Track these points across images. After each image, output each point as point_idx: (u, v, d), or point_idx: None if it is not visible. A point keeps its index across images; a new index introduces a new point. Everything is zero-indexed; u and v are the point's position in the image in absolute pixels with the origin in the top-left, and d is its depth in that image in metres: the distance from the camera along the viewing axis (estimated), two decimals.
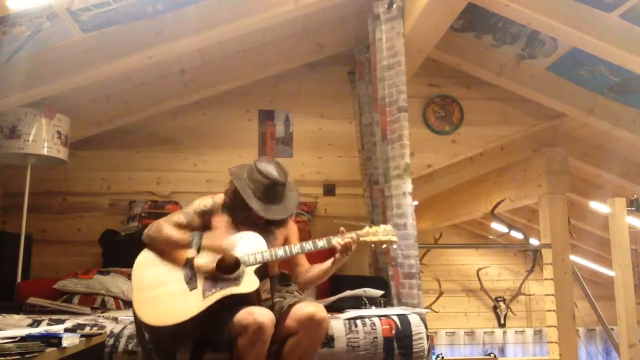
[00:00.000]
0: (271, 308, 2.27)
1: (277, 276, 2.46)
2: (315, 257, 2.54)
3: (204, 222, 2.41)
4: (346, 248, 2.30)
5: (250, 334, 2.02)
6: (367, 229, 2.38)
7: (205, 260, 2.24)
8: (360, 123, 3.91)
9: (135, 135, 4.03)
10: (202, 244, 2.29)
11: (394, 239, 2.38)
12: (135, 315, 2.19)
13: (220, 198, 2.47)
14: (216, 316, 2.18)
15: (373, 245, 2.38)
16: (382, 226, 2.40)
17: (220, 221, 2.42)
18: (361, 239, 2.35)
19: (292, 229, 2.57)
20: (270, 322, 2.07)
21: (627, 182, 5.00)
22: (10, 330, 1.77)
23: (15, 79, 3.04)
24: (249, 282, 2.20)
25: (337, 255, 2.32)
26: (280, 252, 2.29)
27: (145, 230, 2.34)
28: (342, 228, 2.34)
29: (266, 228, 2.46)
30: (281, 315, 2.22)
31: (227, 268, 2.22)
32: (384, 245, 2.39)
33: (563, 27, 3.13)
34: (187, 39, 3.22)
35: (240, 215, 2.41)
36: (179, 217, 2.37)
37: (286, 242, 2.51)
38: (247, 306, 2.12)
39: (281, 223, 2.49)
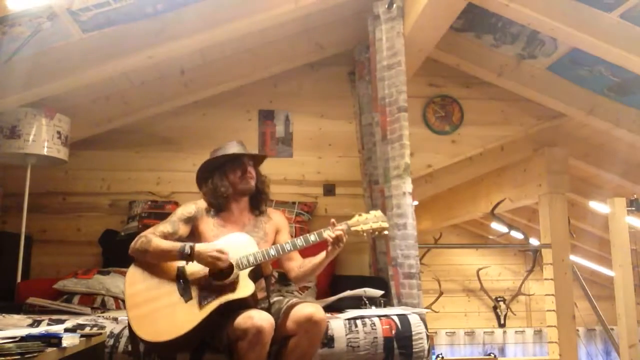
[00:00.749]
0: (268, 307, 2.27)
1: (271, 274, 2.45)
2: (308, 249, 2.53)
3: (190, 229, 2.40)
4: (338, 240, 2.27)
5: (250, 338, 2.01)
6: (356, 217, 2.35)
7: (197, 269, 2.23)
8: (360, 123, 3.91)
9: (135, 135, 4.03)
10: (194, 251, 2.20)
11: (385, 224, 2.34)
12: (132, 333, 2.16)
13: (203, 202, 2.47)
14: (214, 322, 2.17)
15: (365, 234, 2.35)
16: (372, 212, 2.37)
17: (207, 225, 2.41)
18: (352, 229, 2.31)
19: (282, 221, 2.58)
20: (270, 326, 2.06)
21: (627, 182, 5.00)
22: (10, 330, 1.77)
23: (15, 79, 3.04)
24: (244, 287, 2.19)
25: (330, 247, 2.29)
26: (272, 251, 2.28)
27: (132, 244, 2.28)
28: (332, 220, 2.32)
29: (256, 224, 2.47)
30: (280, 316, 2.22)
31: (221, 274, 2.21)
32: (376, 233, 2.35)
33: (563, 27, 3.13)
34: (187, 39, 3.22)
35: (226, 204, 2.43)
36: (164, 226, 2.35)
37: (277, 235, 2.51)
38: (245, 310, 2.12)
39: (264, 205, 2.54)
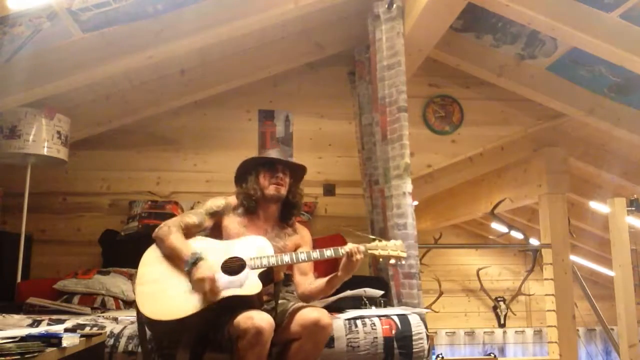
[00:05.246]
0: (273, 311, 2.27)
1: (282, 281, 2.45)
2: (321, 265, 2.53)
3: (215, 222, 2.44)
4: (353, 253, 2.24)
5: (249, 338, 2.02)
6: (376, 242, 2.35)
7: (212, 260, 2.24)
8: (360, 123, 3.90)
9: (135, 135, 4.03)
10: (194, 268, 2.18)
11: (403, 254, 2.34)
12: (137, 310, 2.19)
13: (234, 199, 2.51)
14: (217, 316, 2.18)
15: (381, 259, 2.36)
16: (392, 241, 2.37)
17: (232, 222, 2.44)
18: (369, 251, 2.31)
19: (306, 238, 2.57)
20: (269, 326, 2.07)
21: (627, 182, 5.00)
22: (10, 330, 1.77)
23: (16, 79, 3.04)
24: (251, 285, 2.19)
25: (344, 260, 2.26)
26: (286, 258, 2.29)
27: (156, 229, 2.33)
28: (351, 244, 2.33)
29: (278, 234, 2.48)
30: (285, 319, 2.22)
31: (232, 269, 2.22)
32: (392, 261, 2.35)
33: (563, 27, 3.13)
34: (187, 39, 3.22)
35: (255, 207, 2.45)
36: (190, 217, 2.39)
37: (298, 249, 2.49)
38: (248, 309, 2.12)
39: (292, 219, 2.54)
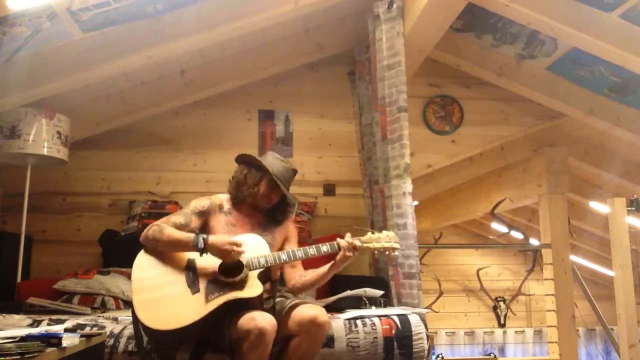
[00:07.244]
0: (272, 309, 2.27)
1: (278, 279, 2.45)
2: (317, 261, 2.53)
3: (202, 222, 2.41)
4: (351, 247, 2.27)
5: (252, 339, 2.01)
6: (369, 235, 2.36)
7: (207, 264, 2.23)
8: (360, 123, 3.91)
9: (135, 135, 4.03)
10: (208, 243, 2.19)
11: (397, 245, 2.36)
12: (135, 319, 2.17)
13: (217, 199, 2.48)
14: (218, 319, 2.17)
15: (376, 252, 2.37)
16: (385, 232, 2.39)
17: (219, 221, 2.42)
18: (364, 245, 2.33)
19: (291, 229, 2.57)
20: (272, 327, 2.06)
21: (627, 182, 5.00)
22: (10, 330, 1.77)
23: (15, 79, 3.04)
24: (252, 287, 2.18)
25: (341, 254, 2.28)
26: (283, 256, 2.28)
27: (144, 232, 2.28)
28: (348, 233, 2.34)
29: (266, 227, 2.47)
30: (282, 316, 2.22)
31: (230, 271, 2.21)
32: (387, 252, 2.37)
33: (563, 27, 3.13)
34: (187, 39, 3.22)
35: (243, 205, 2.44)
36: (177, 218, 2.35)
37: (285, 242, 2.51)
38: (249, 310, 2.11)
39: (283, 219, 2.53)
